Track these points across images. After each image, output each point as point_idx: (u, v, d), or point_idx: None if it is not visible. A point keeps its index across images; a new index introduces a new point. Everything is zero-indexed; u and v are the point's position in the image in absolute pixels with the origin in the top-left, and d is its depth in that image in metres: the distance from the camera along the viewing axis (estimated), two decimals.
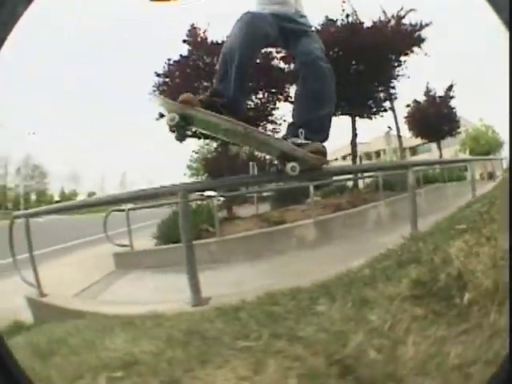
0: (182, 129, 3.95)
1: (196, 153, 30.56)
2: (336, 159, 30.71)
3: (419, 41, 18.55)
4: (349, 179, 17.20)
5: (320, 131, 4.20)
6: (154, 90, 17.28)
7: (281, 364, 1.74)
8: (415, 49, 18.68)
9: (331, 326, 1.98)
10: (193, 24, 17.18)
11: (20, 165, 49.78)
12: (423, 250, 3.00)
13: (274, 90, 17.93)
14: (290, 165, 3.82)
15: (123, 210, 11.52)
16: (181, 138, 4.02)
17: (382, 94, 19.89)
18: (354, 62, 18.10)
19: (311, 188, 11.94)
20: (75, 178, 61.15)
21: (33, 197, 47.63)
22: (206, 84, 16.53)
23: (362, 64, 18.19)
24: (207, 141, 21.71)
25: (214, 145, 21.91)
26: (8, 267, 9.23)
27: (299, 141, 3.99)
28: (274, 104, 18.47)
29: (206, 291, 4.48)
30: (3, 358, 1.39)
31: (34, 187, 48.01)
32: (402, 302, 2.02)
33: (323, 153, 4.07)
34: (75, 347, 2.67)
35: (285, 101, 18.22)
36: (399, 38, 17.76)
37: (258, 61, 16.83)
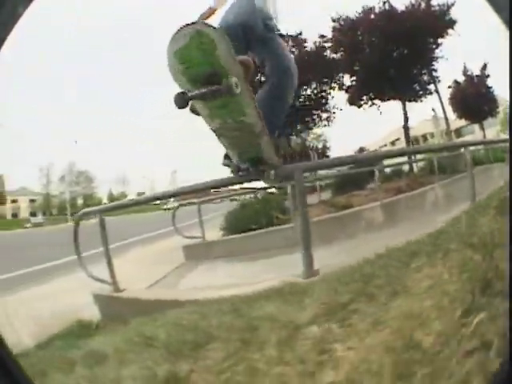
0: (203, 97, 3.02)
1: None
2: (385, 145, 29.95)
3: (451, 22, 18.43)
4: (404, 163, 16.89)
5: (275, 133, 4.26)
6: None
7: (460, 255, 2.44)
8: (449, 31, 18.62)
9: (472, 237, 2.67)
10: None
11: (64, 173, 50.39)
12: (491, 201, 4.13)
13: (326, 80, 17.91)
14: (272, 172, 4.09)
15: (184, 205, 11.21)
16: (184, 104, 3.01)
17: (425, 77, 19.56)
18: (395, 47, 17.91)
19: (377, 173, 11.78)
20: (123, 180, 61.12)
21: (79, 201, 48.03)
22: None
23: (402, 48, 17.94)
24: None
25: None
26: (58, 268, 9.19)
27: None
28: (329, 93, 18.55)
29: (290, 272, 4.55)
30: (3, 359, 1.35)
31: (81, 192, 48.40)
32: (494, 215, 3.18)
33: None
34: (230, 329, 2.41)
35: (339, 89, 18.27)
36: (432, 20, 17.60)
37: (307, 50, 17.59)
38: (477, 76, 24.84)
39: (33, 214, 44.80)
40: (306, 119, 18.48)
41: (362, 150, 26.98)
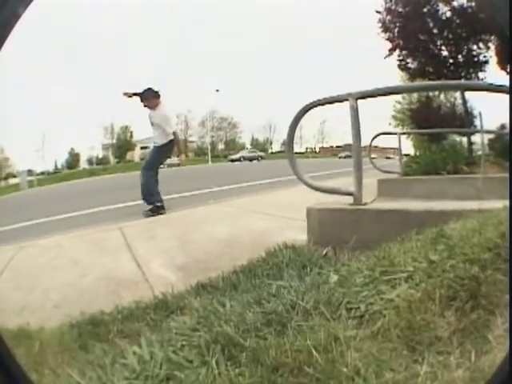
0: None
1: (399, 103, 29.12)
2: None
3: None
4: None
5: None
6: (380, 27, 16.47)
7: None
8: None
9: None
10: None
11: (205, 118, 50.87)
12: None
13: (481, 38, 15.59)
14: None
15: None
16: None
17: None
18: None
19: None
20: (268, 127, 60.36)
21: (220, 146, 48.38)
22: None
23: None
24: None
25: (415, 95, 20.52)
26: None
27: None
28: (486, 51, 15.93)
29: None
30: (2, 357, 1.14)
31: (223, 137, 48.97)
32: None
33: None
34: None
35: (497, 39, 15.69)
36: None
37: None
38: None
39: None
40: (468, 77, 16.22)
41: (502, 127, 24.49)
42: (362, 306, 1.74)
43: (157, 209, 6.87)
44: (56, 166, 58.05)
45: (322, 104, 4.01)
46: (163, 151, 7.39)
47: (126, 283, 3.23)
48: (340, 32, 78.80)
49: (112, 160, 55.75)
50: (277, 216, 5.31)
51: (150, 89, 7.23)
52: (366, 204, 3.64)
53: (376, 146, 10.92)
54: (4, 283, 3.53)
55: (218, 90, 51.17)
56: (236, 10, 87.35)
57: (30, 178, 39.24)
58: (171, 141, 7.27)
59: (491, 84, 3.95)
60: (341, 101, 3.88)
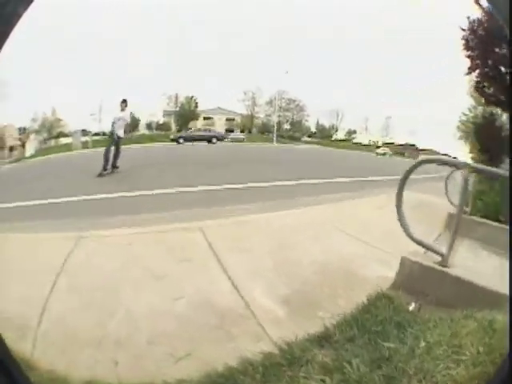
0: None
1: (465, 114, 28.35)
2: None
3: None
4: None
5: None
6: (463, 44, 15.58)
7: None
8: None
9: None
10: None
11: (273, 97, 50.65)
12: None
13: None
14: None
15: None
16: None
17: None
18: None
19: None
20: (335, 113, 58.87)
21: (285, 126, 48.46)
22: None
23: None
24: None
25: (479, 109, 19.76)
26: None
27: None
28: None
29: None
30: (2, 357, 1.27)
31: (289, 118, 49.04)
32: None
33: None
34: None
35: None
36: None
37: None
38: None
39: (229, 131, 45.04)
40: None
41: None
42: (438, 376, 2.17)
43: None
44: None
45: (435, 162, 4.83)
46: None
47: (230, 315, 2.93)
48: (340, 32, 75.19)
49: (173, 127, 56.08)
50: (362, 241, 5.35)
51: (124, 100, 12.34)
52: (449, 267, 4.16)
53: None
54: (66, 295, 2.87)
55: (287, 72, 50.33)
56: (236, 10, 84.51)
57: (84, 139, 38.02)
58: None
59: None
60: (455, 165, 4.70)
